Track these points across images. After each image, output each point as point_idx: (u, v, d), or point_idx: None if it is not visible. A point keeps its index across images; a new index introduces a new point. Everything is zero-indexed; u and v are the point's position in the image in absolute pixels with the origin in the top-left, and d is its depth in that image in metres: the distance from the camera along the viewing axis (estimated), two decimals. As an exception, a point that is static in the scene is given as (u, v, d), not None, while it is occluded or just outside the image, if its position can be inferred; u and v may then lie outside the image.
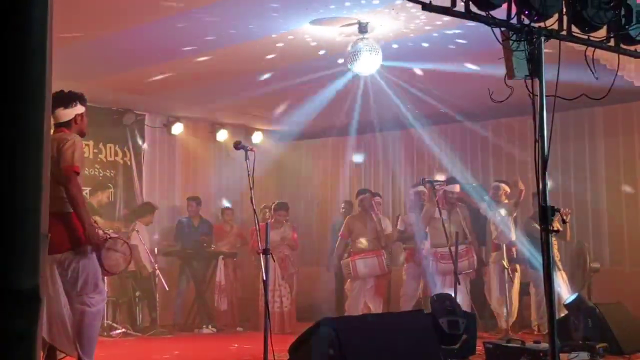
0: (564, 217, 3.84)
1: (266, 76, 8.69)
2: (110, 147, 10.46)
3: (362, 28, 6.95)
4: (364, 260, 9.04)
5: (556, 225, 4.59)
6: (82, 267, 4.75)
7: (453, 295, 7.00)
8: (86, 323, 4.77)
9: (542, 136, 3.64)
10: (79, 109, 5.10)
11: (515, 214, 9.09)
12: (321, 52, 7.76)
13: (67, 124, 5.02)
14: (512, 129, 10.42)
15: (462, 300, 7.87)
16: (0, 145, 1.15)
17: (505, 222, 8.82)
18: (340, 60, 7.63)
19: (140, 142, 10.78)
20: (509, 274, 8.55)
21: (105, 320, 8.43)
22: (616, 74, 4.02)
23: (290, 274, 9.81)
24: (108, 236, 4.97)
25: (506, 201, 9.04)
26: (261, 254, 5.20)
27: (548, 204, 3.67)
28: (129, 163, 10.64)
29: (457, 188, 9.08)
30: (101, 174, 10.29)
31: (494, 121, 10.56)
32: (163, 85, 9.11)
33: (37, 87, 1.15)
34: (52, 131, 4.88)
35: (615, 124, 9.86)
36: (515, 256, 8.89)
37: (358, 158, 12.03)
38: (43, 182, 1.19)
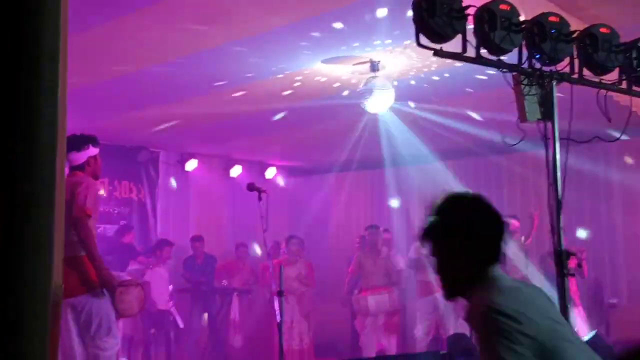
0: (580, 262, 3.80)
1: (280, 114, 8.75)
2: (125, 184, 10.52)
3: (374, 66, 6.99)
4: (375, 296, 8.99)
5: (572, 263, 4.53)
6: (96, 311, 4.75)
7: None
8: (100, 367, 4.76)
9: (555, 180, 3.63)
10: (92, 151, 5.14)
11: (526, 249, 9.00)
12: (334, 89, 7.80)
13: (80, 167, 5.06)
14: (526, 161, 10.39)
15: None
16: (15, 198, 1.15)
17: (517, 257, 8.74)
18: (353, 98, 7.67)
19: (154, 178, 10.84)
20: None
21: (120, 359, 8.40)
22: (629, 115, 4.02)
23: (308, 311, 9.74)
24: (121, 279, 4.98)
25: (516, 236, 8.96)
26: (275, 296, 5.18)
27: (563, 247, 3.65)
28: (143, 200, 10.69)
29: None
30: (115, 211, 10.34)
31: (508, 155, 10.53)
32: (177, 123, 9.18)
33: (48, 139, 1.15)
34: (66, 175, 4.92)
35: (630, 157, 9.81)
36: None
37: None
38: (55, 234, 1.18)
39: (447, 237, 2.49)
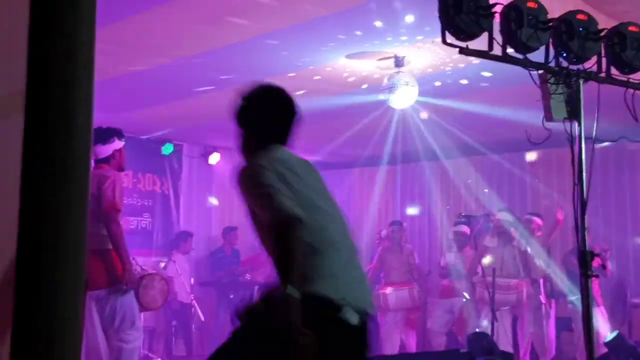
0: (604, 263, 3.78)
1: (303, 108, 8.73)
2: (148, 177, 10.59)
3: (399, 62, 6.97)
4: (396, 292, 8.98)
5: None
6: (120, 304, 4.79)
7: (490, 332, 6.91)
8: (123, 360, 4.81)
9: (581, 180, 3.60)
10: (117, 144, 5.18)
11: (548, 247, 8.95)
12: (357, 84, 7.79)
13: (106, 160, 5.11)
14: (550, 160, 10.32)
15: (502, 338, 7.75)
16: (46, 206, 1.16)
17: (540, 255, 8.68)
18: (376, 93, 7.65)
19: (178, 171, 10.90)
20: (546, 308, 8.41)
21: (142, 350, 8.48)
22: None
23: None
24: (145, 272, 5.02)
25: (539, 234, 8.90)
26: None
27: (587, 248, 3.62)
28: (166, 192, 10.75)
29: (509, 217, 8.86)
30: (139, 204, 10.42)
31: (532, 152, 10.47)
32: (201, 116, 9.22)
33: (82, 145, 1.17)
34: (92, 167, 4.97)
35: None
36: (550, 290, 8.74)
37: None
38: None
39: (243, 118, 3.06)
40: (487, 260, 8.38)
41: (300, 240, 2.53)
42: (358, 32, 6.17)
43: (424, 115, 8.55)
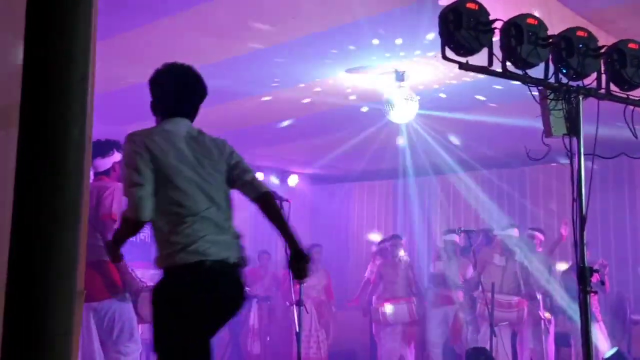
0: (602, 279, 3.77)
1: (302, 122, 8.76)
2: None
3: (399, 76, 6.98)
4: (394, 306, 8.96)
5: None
6: (119, 315, 4.77)
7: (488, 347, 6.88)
8: (121, 372, 4.79)
9: (580, 195, 3.60)
10: (117, 156, 5.17)
11: (550, 263, 8.92)
12: (357, 98, 7.81)
13: (106, 173, 5.10)
14: (550, 176, 10.32)
15: (501, 353, 7.72)
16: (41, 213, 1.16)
17: (541, 271, 8.66)
18: (377, 108, 7.67)
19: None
20: (545, 324, 8.38)
21: (139, 363, 8.43)
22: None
23: (327, 320, 9.72)
24: (145, 285, 5.00)
25: (540, 249, 8.88)
26: (294, 305, 5.18)
27: (586, 264, 3.61)
28: (166, 205, 10.72)
29: (515, 232, 8.83)
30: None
31: (531, 168, 10.48)
32: (203, 128, 9.22)
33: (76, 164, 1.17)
34: (91, 180, 4.96)
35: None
36: (549, 306, 8.71)
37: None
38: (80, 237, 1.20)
39: (150, 89, 3.52)
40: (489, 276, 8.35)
41: (128, 232, 3.32)
42: (352, 47, 6.19)
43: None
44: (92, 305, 4.71)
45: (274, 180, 11.93)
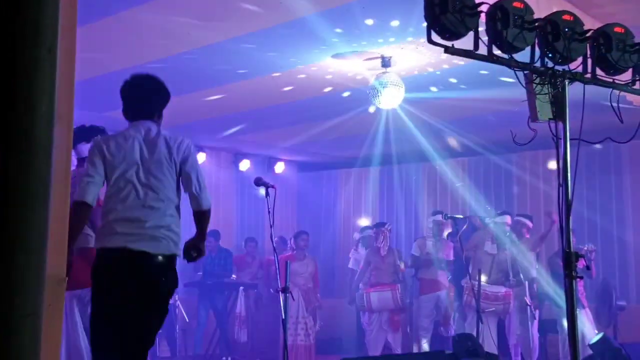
0: (588, 264, 3.76)
1: (288, 108, 8.72)
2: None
3: (386, 62, 6.95)
4: (378, 293, 8.96)
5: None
6: (102, 303, 4.73)
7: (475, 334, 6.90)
8: (104, 359, 4.75)
9: (566, 180, 3.59)
10: None
11: (538, 249, 8.94)
12: (344, 84, 7.77)
13: (89, 159, 5.04)
14: (537, 161, 10.34)
15: (487, 339, 7.74)
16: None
17: (528, 258, 8.67)
18: (363, 94, 7.64)
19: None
20: (531, 310, 8.40)
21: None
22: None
23: (314, 307, 9.72)
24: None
25: (527, 236, 8.87)
26: (280, 292, 5.16)
27: (572, 249, 3.61)
28: (151, 192, 10.66)
29: (508, 220, 8.82)
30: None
31: (519, 154, 10.49)
32: (186, 116, 9.17)
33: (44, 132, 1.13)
34: (74, 167, 4.91)
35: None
36: (535, 292, 8.73)
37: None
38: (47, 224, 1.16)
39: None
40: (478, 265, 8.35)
41: (77, 218, 3.72)
42: (339, 30, 6.15)
43: (420, 119, 8.56)
44: (76, 292, 4.67)
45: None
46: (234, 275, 10.40)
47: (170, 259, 3.85)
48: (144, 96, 4.06)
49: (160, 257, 3.80)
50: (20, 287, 1.04)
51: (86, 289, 4.71)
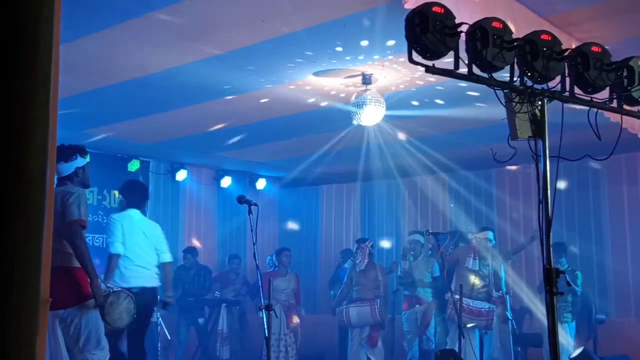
0: (569, 281, 3.80)
1: (269, 125, 8.74)
2: (114, 194, 10.47)
3: (366, 79, 7.00)
4: (357, 308, 8.99)
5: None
6: (85, 323, 4.72)
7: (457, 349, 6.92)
8: (87, 379, 4.73)
9: (545, 197, 3.63)
10: (80, 161, 5.12)
11: (510, 262, 9.01)
12: (325, 103, 7.81)
13: (69, 178, 5.05)
14: (516, 178, 10.43)
15: (469, 354, 7.77)
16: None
17: (508, 273, 8.74)
18: (344, 111, 7.68)
19: (144, 188, 10.79)
20: (513, 325, 8.45)
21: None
22: (620, 133, 4.02)
23: (296, 324, 9.71)
24: (111, 290, 4.94)
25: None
26: (263, 310, 5.16)
27: (552, 265, 3.64)
28: (132, 209, 10.62)
29: (490, 236, 8.85)
30: (104, 221, 10.28)
31: (498, 170, 10.58)
32: (168, 133, 9.16)
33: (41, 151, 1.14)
34: (55, 185, 4.90)
35: (619, 174, 9.86)
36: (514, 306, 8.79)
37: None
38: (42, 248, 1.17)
39: None
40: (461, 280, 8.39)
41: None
42: (321, 48, 6.18)
43: (401, 136, 8.61)
44: (58, 312, 4.65)
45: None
46: (217, 293, 10.36)
47: None
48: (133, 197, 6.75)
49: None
50: (17, 319, 1.04)
51: (68, 309, 4.70)
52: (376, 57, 6.39)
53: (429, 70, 3.43)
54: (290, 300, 9.64)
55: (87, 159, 5.22)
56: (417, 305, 9.07)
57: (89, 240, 9.65)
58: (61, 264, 4.60)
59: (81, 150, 5.15)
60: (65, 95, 6.89)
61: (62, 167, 4.98)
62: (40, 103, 1.06)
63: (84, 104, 7.61)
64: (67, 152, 5.02)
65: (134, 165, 10.54)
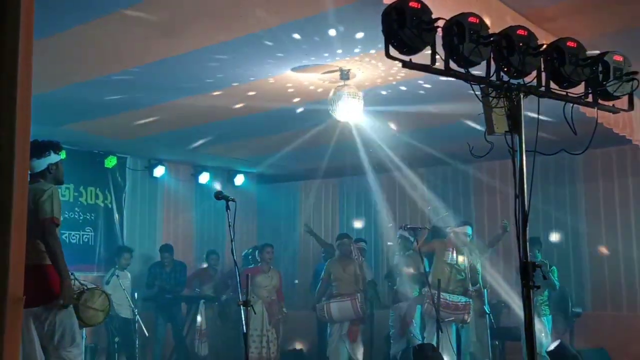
0: (545, 274, 3.82)
1: (248, 121, 8.70)
2: (91, 190, 10.38)
3: (344, 75, 6.99)
4: (338, 303, 8.99)
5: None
6: (59, 320, 4.67)
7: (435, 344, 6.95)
8: (63, 378, 4.68)
9: (522, 191, 3.64)
10: (53, 158, 5.05)
11: (486, 255, 9.07)
12: (303, 97, 7.79)
13: (41, 174, 4.98)
14: (493, 172, 10.48)
15: (446, 348, 7.82)
16: None
17: (485, 267, 8.80)
18: (322, 106, 7.66)
19: (121, 185, 10.72)
20: (490, 319, 8.50)
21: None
22: (595, 128, 4.04)
23: (277, 320, 9.69)
24: (85, 288, 4.90)
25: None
26: (241, 306, 5.14)
27: (529, 259, 3.66)
28: (109, 206, 10.56)
29: (468, 230, 8.89)
30: (81, 217, 10.20)
31: (485, 163, 10.62)
32: (145, 129, 9.10)
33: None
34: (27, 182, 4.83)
35: (595, 168, 9.95)
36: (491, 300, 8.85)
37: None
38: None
39: None
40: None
41: None
42: (299, 43, 6.16)
43: (380, 131, 8.62)
44: (32, 310, 4.60)
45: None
46: (197, 289, 10.33)
47: None
48: None
49: None
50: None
51: (42, 306, 4.65)
52: (357, 50, 6.38)
53: (406, 65, 3.42)
54: (272, 296, 9.61)
55: (62, 155, 5.15)
56: (400, 302, 9.10)
57: (65, 237, 9.57)
58: (33, 261, 4.54)
59: (55, 146, 5.07)
60: (42, 91, 6.82)
61: (34, 164, 4.91)
62: (5, 100, 1.04)
63: (60, 99, 7.53)
64: (40, 148, 4.95)
65: (110, 162, 10.46)
